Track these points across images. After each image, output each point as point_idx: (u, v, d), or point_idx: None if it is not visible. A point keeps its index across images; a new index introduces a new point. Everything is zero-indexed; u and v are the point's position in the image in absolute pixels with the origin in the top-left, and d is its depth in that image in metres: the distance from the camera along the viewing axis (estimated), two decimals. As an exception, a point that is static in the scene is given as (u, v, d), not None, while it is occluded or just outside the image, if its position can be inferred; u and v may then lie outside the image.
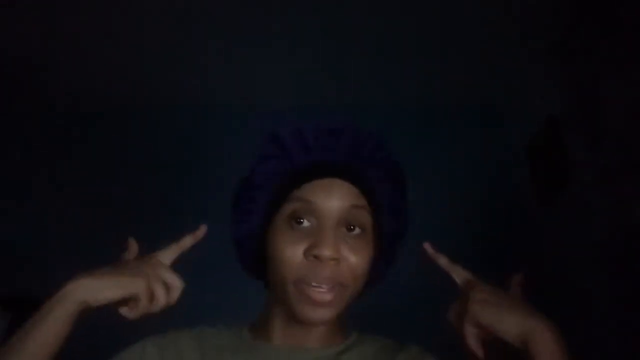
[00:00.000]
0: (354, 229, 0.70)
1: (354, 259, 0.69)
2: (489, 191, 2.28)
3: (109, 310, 0.66)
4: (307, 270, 0.67)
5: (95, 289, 0.62)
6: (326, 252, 0.66)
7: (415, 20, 1.94)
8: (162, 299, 0.64)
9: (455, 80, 2.26)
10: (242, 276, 0.82)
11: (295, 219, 0.70)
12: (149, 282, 0.64)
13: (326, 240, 0.67)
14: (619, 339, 1.64)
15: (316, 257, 0.66)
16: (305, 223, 0.69)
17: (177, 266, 0.73)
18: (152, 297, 0.64)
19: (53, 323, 0.60)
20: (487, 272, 2.52)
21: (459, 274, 0.73)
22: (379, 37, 2.03)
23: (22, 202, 2.30)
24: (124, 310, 0.65)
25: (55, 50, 2.08)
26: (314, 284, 0.67)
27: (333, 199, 0.70)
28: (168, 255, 0.70)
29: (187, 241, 0.72)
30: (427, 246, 0.73)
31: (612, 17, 1.63)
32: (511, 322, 0.61)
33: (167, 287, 0.66)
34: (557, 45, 1.94)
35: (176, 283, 0.66)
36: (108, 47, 2.06)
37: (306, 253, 0.67)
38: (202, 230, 0.72)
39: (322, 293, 0.67)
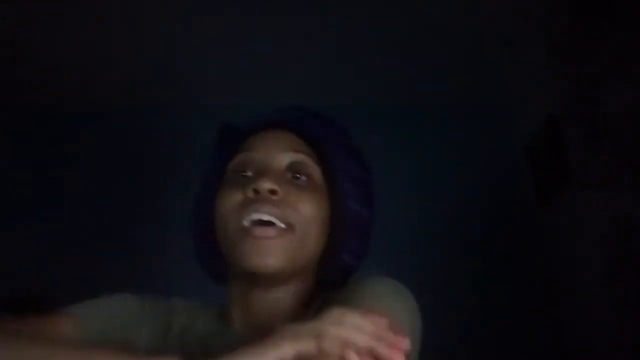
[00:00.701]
0: (300, 176, 0.66)
1: (300, 199, 0.63)
2: (489, 191, 2.28)
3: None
4: (248, 206, 0.61)
5: None
6: (265, 184, 0.61)
7: (415, 21, 1.94)
8: None
9: (456, 80, 2.26)
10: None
11: (239, 171, 0.66)
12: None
13: (265, 174, 0.62)
14: (619, 338, 1.64)
15: (255, 190, 0.61)
16: (249, 173, 0.66)
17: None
18: None
19: None
20: (488, 272, 2.52)
21: None
22: (379, 38, 2.03)
23: (22, 202, 2.30)
24: None
25: (54, 51, 2.08)
26: (255, 217, 0.60)
27: (275, 145, 0.67)
28: None
29: None
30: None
31: (612, 17, 1.63)
32: None
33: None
34: (557, 45, 1.94)
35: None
36: (108, 47, 2.06)
37: (246, 192, 0.62)
38: None
39: (266, 229, 0.60)
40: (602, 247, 1.72)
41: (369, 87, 2.31)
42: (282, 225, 0.61)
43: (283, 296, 0.65)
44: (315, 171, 0.67)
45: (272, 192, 0.61)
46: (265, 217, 0.61)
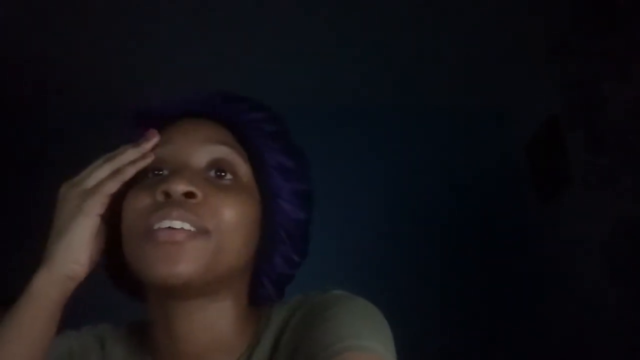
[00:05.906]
0: (224, 174, 0.56)
1: (223, 203, 0.53)
2: (489, 191, 2.28)
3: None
4: (156, 211, 0.51)
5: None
6: (178, 185, 0.51)
7: (415, 21, 1.95)
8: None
9: (456, 80, 2.26)
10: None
11: (153, 170, 0.55)
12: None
13: (179, 173, 0.52)
14: (620, 337, 1.64)
15: (166, 193, 0.51)
16: (164, 172, 0.55)
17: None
18: None
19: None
20: (488, 272, 2.51)
21: None
22: (379, 38, 2.03)
23: (22, 200, 2.30)
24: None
25: (56, 50, 2.08)
26: (164, 225, 0.50)
27: (194, 137, 0.56)
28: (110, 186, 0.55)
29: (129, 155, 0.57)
30: None
31: (612, 17, 1.63)
32: None
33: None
34: (557, 45, 1.95)
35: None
36: (108, 48, 2.06)
37: (156, 194, 0.52)
38: (152, 136, 0.57)
39: (173, 232, 0.50)
40: (602, 247, 1.72)
41: (369, 87, 2.31)
42: (193, 229, 0.51)
43: (212, 316, 0.56)
44: (243, 167, 0.57)
45: (189, 194, 0.52)
46: (177, 225, 0.51)
